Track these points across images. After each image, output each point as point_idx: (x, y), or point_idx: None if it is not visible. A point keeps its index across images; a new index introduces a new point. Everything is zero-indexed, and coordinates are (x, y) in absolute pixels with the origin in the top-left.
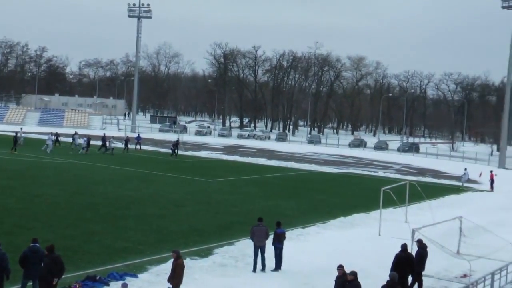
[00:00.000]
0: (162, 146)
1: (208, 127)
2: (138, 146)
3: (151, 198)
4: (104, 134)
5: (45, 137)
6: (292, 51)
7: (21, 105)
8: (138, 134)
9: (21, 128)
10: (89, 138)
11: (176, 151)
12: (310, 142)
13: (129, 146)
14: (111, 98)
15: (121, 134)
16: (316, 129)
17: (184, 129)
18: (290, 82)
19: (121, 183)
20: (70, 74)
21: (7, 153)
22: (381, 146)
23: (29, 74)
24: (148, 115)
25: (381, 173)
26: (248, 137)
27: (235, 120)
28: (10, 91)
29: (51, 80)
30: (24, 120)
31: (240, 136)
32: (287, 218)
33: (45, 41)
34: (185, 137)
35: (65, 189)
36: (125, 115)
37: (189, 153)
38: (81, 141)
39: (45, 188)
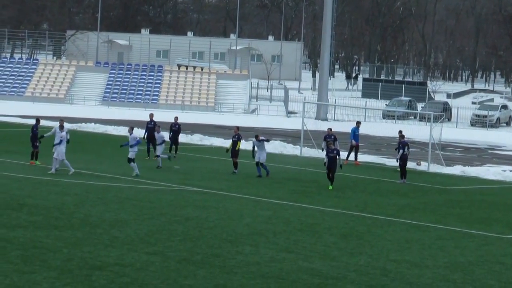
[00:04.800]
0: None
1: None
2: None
3: None
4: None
5: (120, 131)
6: None
7: (66, 57)
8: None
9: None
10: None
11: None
12: None
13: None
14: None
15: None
16: None
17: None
18: None
19: None
20: None
21: (50, 172)
22: None
23: None
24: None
25: None
26: None
27: None
28: (41, 23)
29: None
30: (72, 92)
31: None
32: None
33: None
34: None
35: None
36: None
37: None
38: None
39: None
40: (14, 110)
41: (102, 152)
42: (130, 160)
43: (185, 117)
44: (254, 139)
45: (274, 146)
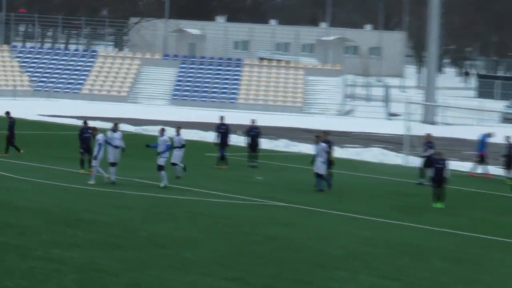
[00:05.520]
0: None
1: None
2: None
3: None
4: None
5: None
6: None
7: (129, 48)
8: None
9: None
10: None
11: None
12: None
13: None
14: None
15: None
16: None
17: None
18: None
19: None
20: None
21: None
22: None
23: None
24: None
25: None
26: None
27: None
28: (100, 10)
29: None
30: (135, 89)
31: None
32: None
33: None
34: None
35: None
36: None
37: None
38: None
39: None
40: (69, 110)
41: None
42: (161, 168)
43: (267, 120)
44: (322, 144)
45: (372, 154)
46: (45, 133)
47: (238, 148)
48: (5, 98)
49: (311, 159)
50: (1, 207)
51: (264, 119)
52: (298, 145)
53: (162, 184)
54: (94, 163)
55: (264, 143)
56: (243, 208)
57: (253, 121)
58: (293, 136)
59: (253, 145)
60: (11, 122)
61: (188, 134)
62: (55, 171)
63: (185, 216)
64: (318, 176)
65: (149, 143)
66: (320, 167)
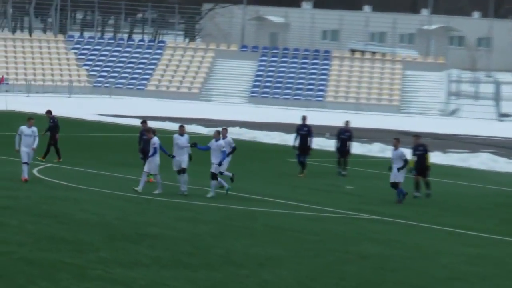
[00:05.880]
0: None
1: None
2: None
3: None
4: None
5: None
6: None
7: (201, 38)
8: None
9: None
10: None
11: None
12: None
13: None
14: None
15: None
16: None
17: None
18: None
19: None
20: None
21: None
22: None
23: None
24: None
25: None
26: None
27: None
28: None
29: None
30: (209, 85)
31: None
32: None
33: None
34: None
35: None
36: None
37: None
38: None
39: None
40: (132, 109)
41: (248, 166)
42: (215, 177)
43: (360, 121)
44: (400, 149)
45: (480, 161)
46: (105, 135)
47: (324, 153)
48: (60, 95)
49: (388, 165)
50: (55, 220)
51: (355, 120)
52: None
53: (209, 195)
54: (146, 168)
55: (356, 148)
56: (330, 221)
57: (346, 122)
58: (389, 139)
59: (343, 150)
60: (53, 123)
61: (267, 137)
62: (116, 178)
63: (263, 230)
64: (394, 185)
65: (197, 142)
66: (396, 176)
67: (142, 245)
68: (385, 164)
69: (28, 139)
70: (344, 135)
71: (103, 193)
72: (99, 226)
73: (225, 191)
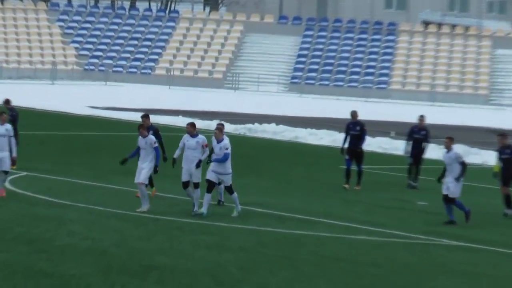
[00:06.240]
0: None
1: None
2: None
3: None
4: None
5: None
6: None
7: (226, 7)
8: None
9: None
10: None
11: None
12: None
13: None
14: None
15: None
16: None
17: None
18: None
19: None
20: None
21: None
22: None
23: None
24: None
25: None
26: None
27: None
28: None
29: None
30: (238, 69)
31: None
32: None
33: None
34: None
35: None
36: None
37: None
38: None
39: None
40: (134, 100)
41: (289, 175)
42: (231, 191)
43: (435, 115)
44: (454, 152)
45: None
46: (99, 133)
47: (388, 158)
48: (40, 81)
49: (440, 174)
50: (33, 247)
51: (430, 115)
52: (480, 153)
53: (235, 213)
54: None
55: (430, 151)
56: (397, 248)
57: (421, 118)
58: (475, 139)
59: (417, 154)
60: (12, 116)
61: (313, 137)
62: (114, 191)
63: (308, 260)
64: (448, 200)
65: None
66: (451, 188)
67: (148, 280)
68: (470, 173)
69: (1, 140)
70: (419, 134)
71: (96, 211)
72: (91, 254)
73: (200, 213)
